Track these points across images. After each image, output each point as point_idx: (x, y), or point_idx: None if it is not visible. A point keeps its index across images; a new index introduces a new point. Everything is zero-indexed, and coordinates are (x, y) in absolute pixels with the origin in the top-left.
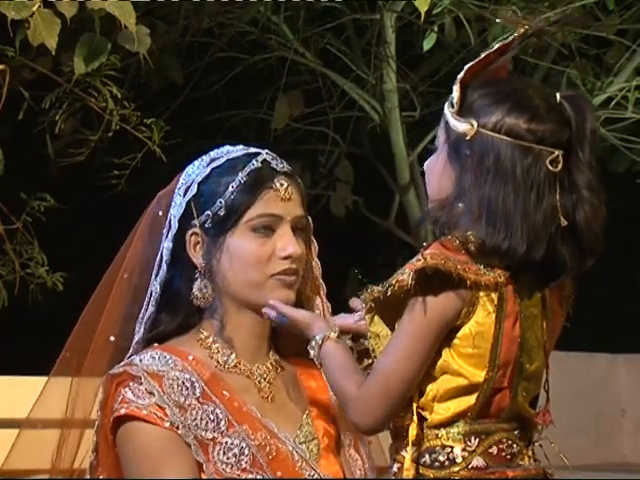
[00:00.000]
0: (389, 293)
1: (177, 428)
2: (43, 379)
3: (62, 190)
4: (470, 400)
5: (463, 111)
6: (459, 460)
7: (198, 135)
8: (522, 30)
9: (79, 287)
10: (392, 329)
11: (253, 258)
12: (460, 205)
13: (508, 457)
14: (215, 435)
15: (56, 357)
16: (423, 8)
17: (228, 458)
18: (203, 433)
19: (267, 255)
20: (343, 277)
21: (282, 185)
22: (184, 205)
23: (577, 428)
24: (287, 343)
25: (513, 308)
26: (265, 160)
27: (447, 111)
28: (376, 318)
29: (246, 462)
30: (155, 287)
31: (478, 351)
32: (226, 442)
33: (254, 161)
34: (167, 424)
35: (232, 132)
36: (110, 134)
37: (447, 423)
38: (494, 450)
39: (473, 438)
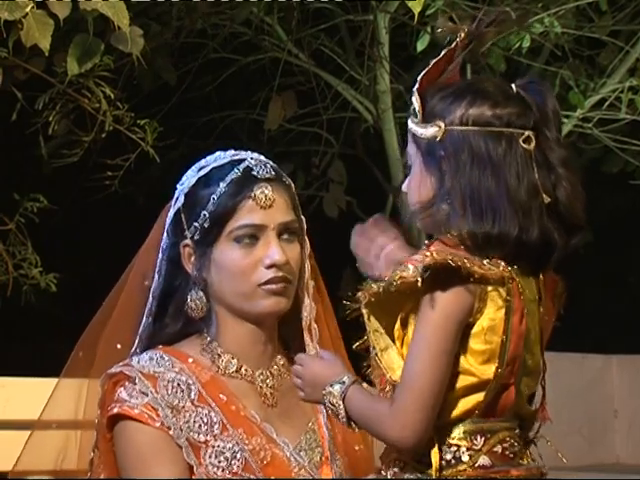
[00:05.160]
0: (392, 289)
1: (168, 429)
2: (35, 380)
3: (55, 191)
4: (478, 397)
5: (427, 117)
6: (465, 459)
7: (191, 136)
8: (463, 34)
9: (72, 288)
10: (387, 325)
11: (238, 269)
12: (444, 207)
13: (511, 456)
14: (208, 438)
15: (48, 358)
16: (417, 9)
17: (220, 461)
18: (195, 435)
19: (251, 265)
20: (337, 278)
21: (262, 193)
22: (172, 216)
23: (570, 429)
24: (300, 346)
25: (519, 304)
26: (247, 167)
27: (411, 124)
28: (372, 315)
29: (238, 466)
30: (151, 299)
31: (490, 347)
32: (218, 445)
33: (235, 169)
34: (158, 424)
35: (225, 133)
36: (103, 135)
37: (455, 422)
38: (499, 449)
39: (479, 437)
